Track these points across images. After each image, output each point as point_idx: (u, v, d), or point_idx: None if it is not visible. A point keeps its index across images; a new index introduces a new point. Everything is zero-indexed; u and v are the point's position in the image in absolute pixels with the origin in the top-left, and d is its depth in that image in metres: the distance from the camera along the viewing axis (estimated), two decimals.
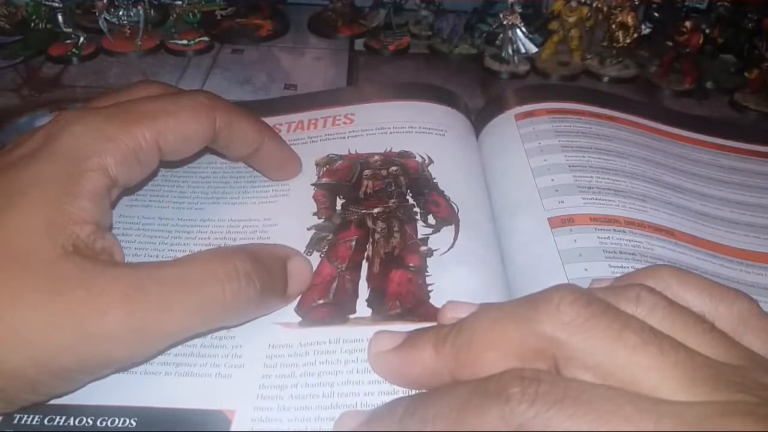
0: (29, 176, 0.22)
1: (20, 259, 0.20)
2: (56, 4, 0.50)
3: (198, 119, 0.27)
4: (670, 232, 0.32)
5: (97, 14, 0.51)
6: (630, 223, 0.31)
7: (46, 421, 0.22)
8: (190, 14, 0.53)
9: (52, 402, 0.22)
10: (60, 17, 0.50)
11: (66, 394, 0.22)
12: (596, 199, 0.33)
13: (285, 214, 0.32)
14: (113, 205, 0.25)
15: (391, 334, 0.22)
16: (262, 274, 0.24)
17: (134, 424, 0.22)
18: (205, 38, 0.53)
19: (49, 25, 0.51)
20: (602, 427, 0.15)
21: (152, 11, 0.53)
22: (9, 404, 0.21)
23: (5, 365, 0.20)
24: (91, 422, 0.22)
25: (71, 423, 0.22)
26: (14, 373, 0.20)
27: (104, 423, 0.22)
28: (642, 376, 0.16)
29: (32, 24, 0.51)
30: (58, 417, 0.22)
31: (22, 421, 0.22)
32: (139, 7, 0.51)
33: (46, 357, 0.20)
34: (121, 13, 0.51)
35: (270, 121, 0.39)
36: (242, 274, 0.23)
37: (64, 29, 0.50)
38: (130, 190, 0.29)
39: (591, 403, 0.16)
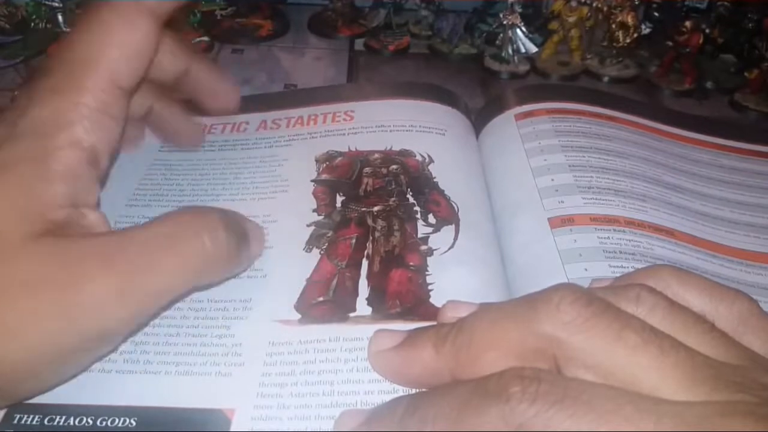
0: (1, 158, 0.21)
1: None
2: (56, 4, 0.50)
3: (134, 27, 0.24)
4: (670, 232, 0.32)
5: None
6: (630, 223, 0.31)
7: (46, 421, 0.22)
8: (190, 14, 0.53)
9: (52, 402, 0.22)
10: (60, 17, 0.50)
11: (70, 378, 0.22)
12: (596, 199, 0.33)
13: (284, 211, 0.32)
14: (102, 175, 0.24)
15: (391, 333, 0.22)
16: (235, 226, 0.24)
17: (134, 423, 0.22)
18: (205, 38, 0.53)
19: (49, 25, 0.51)
20: (602, 426, 0.15)
21: None
22: (13, 397, 0.21)
23: (1, 357, 0.19)
24: (91, 422, 0.22)
25: (71, 423, 0.22)
26: (10, 364, 0.20)
27: (104, 423, 0.22)
28: (642, 375, 0.16)
29: (32, 24, 0.51)
30: (58, 417, 0.22)
31: (22, 421, 0.22)
32: None
33: (39, 341, 0.19)
34: None
35: (269, 116, 0.40)
36: (221, 226, 0.23)
37: (64, 29, 0.50)
38: (119, 149, 0.28)
39: (591, 402, 0.16)
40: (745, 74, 0.49)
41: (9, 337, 0.19)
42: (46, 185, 0.21)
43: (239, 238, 0.24)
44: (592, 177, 0.34)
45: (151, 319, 0.24)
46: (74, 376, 0.22)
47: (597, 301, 0.18)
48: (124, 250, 0.21)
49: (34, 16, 0.51)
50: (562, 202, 0.33)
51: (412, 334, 0.22)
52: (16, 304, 0.19)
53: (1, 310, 0.19)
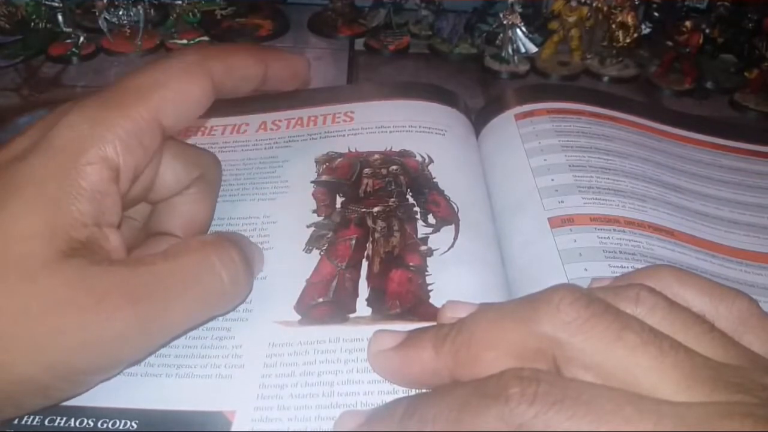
0: (26, 173, 0.21)
1: (19, 266, 0.20)
2: (56, 4, 0.50)
3: (193, 81, 0.25)
4: (669, 232, 0.32)
5: (97, 14, 0.51)
6: (630, 223, 0.31)
7: (46, 422, 0.22)
8: (190, 14, 0.53)
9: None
10: (60, 17, 0.50)
11: (75, 396, 0.22)
12: (596, 199, 0.33)
13: (284, 212, 0.32)
14: (126, 196, 0.24)
15: (390, 333, 0.22)
16: (248, 258, 0.25)
17: (135, 426, 0.22)
18: (205, 38, 0.53)
19: (49, 25, 0.51)
20: (602, 427, 0.15)
21: (152, 11, 0.53)
22: (18, 409, 0.21)
23: (16, 370, 0.19)
24: (92, 424, 0.22)
25: (72, 424, 0.22)
26: (25, 378, 0.20)
27: (105, 425, 0.22)
28: (642, 376, 0.16)
29: (32, 24, 0.51)
30: (58, 418, 0.22)
31: (23, 422, 0.22)
32: (139, 7, 0.51)
33: (57, 361, 0.20)
34: (121, 12, 0.51)
35: (269, 117, 0.40)
36: (238, 261, 0.23)
37: (64, 29, 0.50)
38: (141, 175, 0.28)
39: (591, 403, 0.16)
40: (745, 74, 0.49)
41: (27, 350, 0.19)
42: (73, 202, 0.21)
43: (248, 266, 0.25)
44: (592, 177, 0.34)
45: (164, 346, 0.24)
46: (79, 395, 0.22)
47: (597, 301, 0.18)
48: (147, 285, 0.21)
49: (34, 16, 0.51)
50: (562, 202, 0.33)
51: (411, 335, 0.22)
52: (38, 321, 0.19)
53: (25, 325, 0.19)
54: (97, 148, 0.22)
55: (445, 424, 0.17)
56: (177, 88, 0.25)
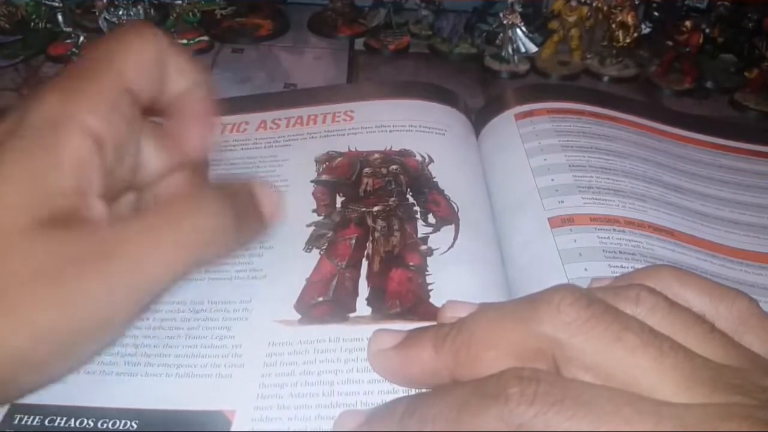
0: (4, 154, 0.21)
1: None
2: (56, 4, 0.50)
3: (147, 41, 0.25)
4: (670, 233, 0.32)
5: (97, 14, 0.51)
6: (630, 223, 0.31)
7: (47, 422, 0.22)
8: (190, 14, 0.53)
9: (53, 403, 0.22)
10: (60, 17, 0.50)
11: (69, 372, 0.22)
12: (596, 199, 0.33)
13: (284, 211, 0.32)
14: (109, 168, 0.24)
15: (390, 333, 0.22)
16: (235, 196, 0.24)
17: (135, 426, 0.22)
18: (205, 38, 0.53)
19: (49, 25, 0.51)
20: (602, 427, 0.15)
21: (152, 11, 0.53)
22: (17, 387, 0.21)
23: (2, 343, 0.19)
24: (92, 424, 0.22)
25: (72, 424, 0.22)
26: (12, 354, 0.20)
27: (105, 425, 0.22)
28: (641, 377, 0.16)
29: (32, 24, 0.51)
30: (58, 418, 0.22)
31: (23, 422, 0.22)
32: (139, 7, 0.51)
33: (41, 330, 0.20)
34: (121, 12, 0.51)
35: (269, 116, 0.40)
36: (214, 201, 0.23)
37: (64, 29, 0.50)
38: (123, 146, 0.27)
39: (590, 404, 0.16)
40: (745, 74, 0.49)
41: (11, 325, 0.19)
42: (54, 173, 0.21)
43: (241, 207, 0.24)
44: (592, 177, 0.34)
45: (155, 303, 0.23)
46: (78, 366, 0.22)
47: (597, 302, 0.18)
48: (123, 242, 0.21)
49: (34, 16, 0.51)
50: (562, 201, 0.33)
51: (411, 334, 0.22)
52: (17, 292, 0.19)
53: (3, 298, 0.19)
54: (74, 119, 0.22)
55: (445, 424, 0.17)
56: (134, 50, 0.25)
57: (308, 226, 0.31)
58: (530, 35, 0.51)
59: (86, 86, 0.23)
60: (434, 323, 0.23)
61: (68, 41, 0.50)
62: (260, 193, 0.25)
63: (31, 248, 0.20)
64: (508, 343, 0.19)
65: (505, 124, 0.39)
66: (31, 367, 0.21)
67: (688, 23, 0.49)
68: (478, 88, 0.49)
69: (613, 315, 0.18)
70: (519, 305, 0.19)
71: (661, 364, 0.16)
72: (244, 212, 0.24)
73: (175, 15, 0.53)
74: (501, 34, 0.51)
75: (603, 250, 0.30)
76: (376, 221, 0.31)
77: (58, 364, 0.21)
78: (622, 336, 0.17)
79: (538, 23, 0.53)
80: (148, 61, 0.25)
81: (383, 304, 0.27)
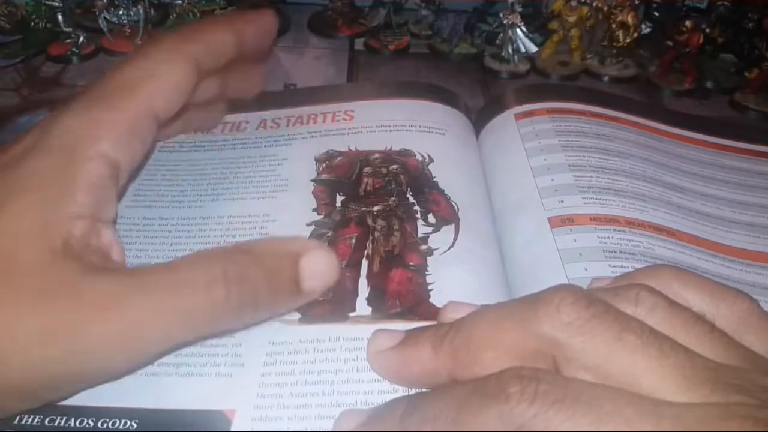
0: (23, 175, 0.22)
1: (11, 263, 0.20)
2: (56, 4, 0.50)
3: (177, 66, 0.26)
4: (671, 232, 0.32)
5: (97, 14, 0.51)
6: (630, 222, 0.31)
7: (46, 422, 0.22)
8: (190, 13, 0.53)
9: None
10: (60, 16, 0.50)
11: (57, 402, 0.22)
12: (596, 198, 0.33)
13: (284, 210, 0.32)
14: (121, 193, 0.24)
15: (390, 333, 0.22)
16: (258, 276, 0.22)
17: (135, 425, 0.22)
18: None
19: (48, 25, 0.51)
20: (602, 427, 0.15)
21: (152, 10, 0.53)
22: (1, 410, 0.21)
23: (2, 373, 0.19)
24: (92, 423, 0.22)
25: (72, 424, 0.22)
26: (2, 380, 0.20)
27: (105, 425, 0.22)
28: (642, 377, 0.16)
29: (32, 23, 0.51)
30: (58, 418, 0.22)
31: (22, 422, 0.22)
32: (139, 7, 0.51)
33: (35, 366, 0.20)
34: (121, 12, 0.51)
35: (269, 115, 0.40)
36: (231, 278, 0.21)
37: (64, 29, 0.50)
38: (135, 170, 0.27)
39: (591, 403, 0.16)
40: (745, 74, 0.49)
41: (7, 350, 0.19)
42: (68, 199, 0.21)
43: (261, 286, 0.22)
44: (592, 177, 0.34)
45: (155, 361, 0.23)
46: (61, 401, 0.22)
47: (597, 302, 0.18)
48: (129, 299, 0.20)
49: (34, 16, 0.51)
50: (562, 201, 0.33)
51: (410, 334, 0.22)
52: (22, 321, 0.19)
53: (7, 324, 0.19)
54: (93, 145, 0.22)
55: (445, 424, 0.17)
56: (163, 76, 0.25)
57: (308, 225, 0.31)
58: (530, 35, 0.51)
59: (109, 113, 0.23)
60: (434, 323, 0.23)
61: (68, 41, 0.50)
62: (307, 260, 0.23)
63: (43, 282, 0.20)
64: (507, 344, 0.19)
65: (505, 124, 0.39)
66: (22, 396, 0.21)
67: (688, 23, 0.49)
68: (478, 88, 0.49)
69: (614, 315, 0.18)
70: (518, 306, 0.19)
71: (662, 365, 0.16)
72: (271, 287, 0.22)
73: (175, 15, 0.53)
74: (501, 34, 0.51)
75: (603, 250, 0.30)
76: (376, 221, 0.31)
77: (47, 397, 0.22)
78: (622, 336, 0.17)
79: (538, 23, 0.53)
80: (176, 88, 0.26)
81: (383, 303, 0.27)
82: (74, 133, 0.23)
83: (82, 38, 0.50)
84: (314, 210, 0.32)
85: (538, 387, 0.16)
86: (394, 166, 0.34)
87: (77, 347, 0.20)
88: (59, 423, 0.22)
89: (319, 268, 0.23)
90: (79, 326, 0.20)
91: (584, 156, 0.36)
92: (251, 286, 0.22)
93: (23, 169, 0.22)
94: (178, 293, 0.21)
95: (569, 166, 0.35)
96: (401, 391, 0.22)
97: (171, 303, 0.21)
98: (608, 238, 0.30)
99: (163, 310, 0.21)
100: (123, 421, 0.22)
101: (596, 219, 0.31)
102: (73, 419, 0.22)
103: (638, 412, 0.15)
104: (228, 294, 0.21)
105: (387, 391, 0.23)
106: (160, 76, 0.25)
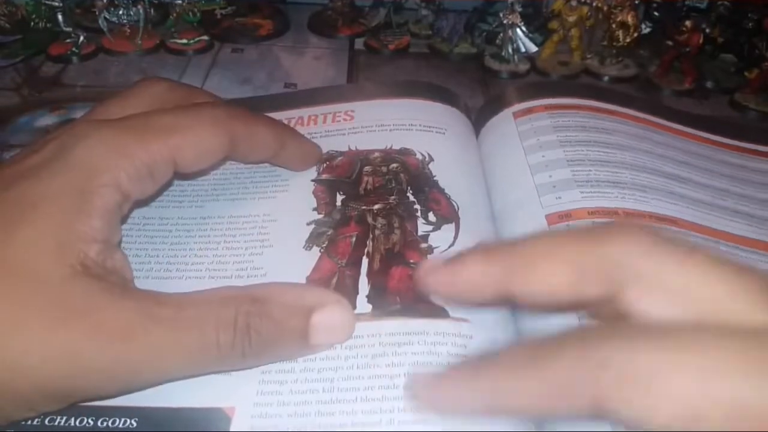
0: (41, 189, 0.22)
1: (28, 279, 0.20)
2: (56, 4, 0.50)
3: (215, 134, 0.26)
4: (673, 221, 0.32)
5: (97, 13, 0.51)
6: (630, 214, 0.31)
7: (46, 422, 0.22)
8: (190, 13, 0.53)
9: None
10: (60, 16, 0.50)
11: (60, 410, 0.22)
12: (594, 192, 0.33)
13: (284, 210, 0.32)
14: (124, 220, 0.25)
15: (440, 258, 0.21)
16: (267, 326, 0.22)
17: (135, 424, 0.22)
18: (205, 37, 0.53)
19: (49, 25, 0.51)
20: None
21: (152, 10, 0.53)
22: (3, 420, 0.21)
23: (5, 387, 0.20)
24: (91, 422, 0.22)
25: (72, 423, 0.22)
26: (13, 394, 0.20)
27: (105, 423, 0.22)
28: (719, 298, 0.16)
29: (32, 23, 0.51)
30: (58, 417, 0.22)
31: (22, 421, 0.22)
32: (139, 7, 0.51)
33: (44, 382, 0.20)
34: (121, 12, 0.51)
35: (269, 115, 0.39)
36: (240, 327, 0.21)
37: (64, 28, 0.50)
38: (141, 203, 0.28)
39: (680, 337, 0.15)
40: (745, 74, 0.49)
41: (19, 367, 0.20)
42: (86, 218, 0.22)
43: (268, 337, 0.22)
44: (590, 170, 0.34)
45: (155, 386, 0.23)
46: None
47: (662, 230, 0.17)
48: (144, 328, 0.21)
49: (34, 16, 0.51)
50: (560, 198, 0.33)
51: (460, 253, 0.20)
52: (35, 338, 0.20)
53: (21, 340, 0.20)
54: (111, 172, 0.23)
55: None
56: (198, 134, 0.26)
57: (308, 224, 0.31)
58: (530, 35, 0.51)
59: (134, 149, 0.24)
60: (437, 318, 0.23)
61: (68, 41, 0.50)
62: (320, 316, 0.23)
63: (63, 300, 0.20)
64: (566, 256, 0.18)
65: (504, 123, 0.39)
66: (24, 406, 0.21)
67: (688, 23, 0.49)
68: (478, 87, 0.49)
69: (682, 240, 0.17)
70: (580, 231, 0.18)
71: (735, 285, 0.16)
72: (277, 339, 0.23)
73: (175, 15, 0.53)
74: (501, 34, 0.51)
75: None
76: (377, 219, 0.31)
77: (52, 408, 0.22)
78: (694, 256, 0.16)
79: (538, 23, 0.53)
80: (204, 154, 0.26)
81: (384, 301, 0.27)
82: (96, 156, 0.23)
83: (82, 38, 0.50)
84: (314, 209, 0.32)
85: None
86: (395, 165, 0.34)
87: (92, 366, 0.20)
88: (59, 422, 0.22)
89: (331, 324, 0.24)
90: (97, 348, 0.20)
91: (582, 150, 0.36)
92: (259, 338, 0.22)
93: (42, 184, 0.22)
94: (189, 331, 0.21)
95: (567, 161, 0.35)
96: (401, 392, 0.22)
97: (180, 340, 0.21)
98: None
99: (173, 346, 0.21)
100: (123, 419, 0.22)
101: (594, 212, 0.31)
102: (73, 418, 0.22)
103: (721, 337, 0.14)
104: (234, 342, 0.21)
105: (388, 387, 0.23)
106: (195, 133, 0.26)
